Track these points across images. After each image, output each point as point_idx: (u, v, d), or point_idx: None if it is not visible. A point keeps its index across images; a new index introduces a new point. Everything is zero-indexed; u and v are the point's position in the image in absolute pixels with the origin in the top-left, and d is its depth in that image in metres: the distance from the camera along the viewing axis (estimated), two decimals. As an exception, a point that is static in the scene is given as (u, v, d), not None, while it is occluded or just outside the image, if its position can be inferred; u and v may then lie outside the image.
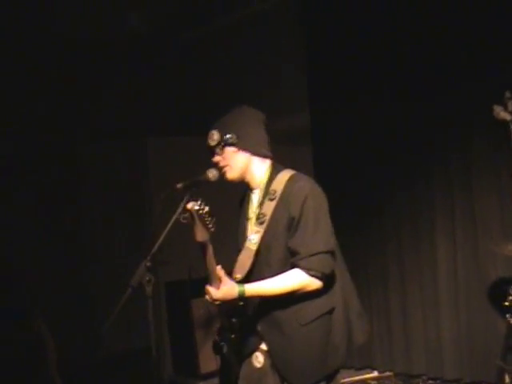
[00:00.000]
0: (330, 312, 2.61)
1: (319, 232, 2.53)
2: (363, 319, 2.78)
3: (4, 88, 4.92)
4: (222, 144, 2.64)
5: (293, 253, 2.55)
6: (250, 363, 2.68)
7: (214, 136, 2.65)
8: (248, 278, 2.62)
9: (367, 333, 2.80)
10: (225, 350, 2.74)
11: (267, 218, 2.60)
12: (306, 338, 2.57)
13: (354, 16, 5.00)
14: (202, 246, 2.49)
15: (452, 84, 4.49)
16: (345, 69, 5.09)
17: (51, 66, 5.21)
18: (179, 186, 2.48)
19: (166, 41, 5.51)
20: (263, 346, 2.65)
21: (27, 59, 5.03)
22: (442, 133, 4.59)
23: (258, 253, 2.62)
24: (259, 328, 2.64)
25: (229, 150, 2.66)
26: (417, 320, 4.78)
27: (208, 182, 2.60)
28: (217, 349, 2.77)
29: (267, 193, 2.64)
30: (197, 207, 2.36)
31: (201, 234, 2.42)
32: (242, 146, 2.65)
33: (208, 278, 2.56)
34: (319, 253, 2.51)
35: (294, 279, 2.52)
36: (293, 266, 2.54)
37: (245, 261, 2.64)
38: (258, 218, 2.63)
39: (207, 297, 2.58)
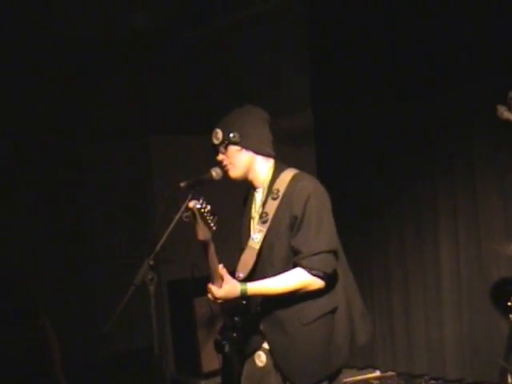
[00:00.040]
0: (333, 311, 2.60)
1: (322, 231, 2.53)
2: (366, 319, 2.78)
3: (4, 88, 4.91)
4: (226, 143, 2.64)
5: (295, 252, 2.54)
6: (253, 362, 2.68)
7: (218, 135, 2.65)
8: (251, 277, 2.62)
9: (370, 333, 2.80)
10: (226, 348, 2.74)
11: (270, 217, 2.60)
12: (308, 337, 2.56)
13: (356, 16, 5.00)
14: (204, 245, 2.48)
15: (452, 84, 4.49)
16: (347, 69, 5.09)
17: (51, 65, 5.20)
18: (183, 184, 2.48)
19: (166, 41, 5.50)
20: (266, 345, 2.65)
21: (27, 59, 5.02)
22: (445, 133, 4.59)
23: (260, 252, 2.62)
24: (261, 327, 2.64)
25: (232, 148, 2.65)
26: (419, 320, 4.77)
27: (212, 180, 2.60)
28: (218, 347, 2.77)
29: (270, 192, 2.64)
30: (198, 206, 2.35)
31: (202, 233, 2.42)
32: (245, 144, 2.65)
33: (210, 277, 2.56)
34: (321, 252, 2.51)
35: (296, 278, 2.52)
36: (295, 265, 2.54)
37: (248, 260, 2.64)
38: (261, 217, 2.63)
39: (209, 295, 2.57)
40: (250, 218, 2.74)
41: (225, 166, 2.67)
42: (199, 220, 2.38)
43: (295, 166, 2.73)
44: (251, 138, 2.65)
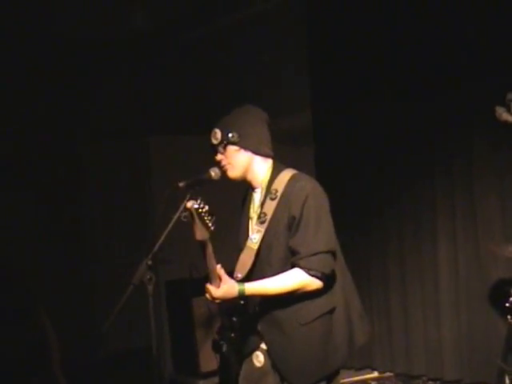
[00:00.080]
0: (331, 312, 2.60)
1: (320, 232, 2.53)
2: (364, 320, 2.78)
3: (4, 88, 4.91)
4: (225, 143, 2.64)
5: (293, 252, 2.54)
6: (251, 362, 2.68)
7: (217, 135, 2.65)
8: (249, 277, 2.62)
9: (368, 334, 2.80)
10: (224, 348, 2.74)
11: (268, 217, 2.60)
12: (306, 337, 2.56)
13: (356, 16, 5.00)
14: (202, 245, 2.48)
15: (452, 84, 4.48)
16: (346, 69, 5.09)
17: (51, 65, 5.20)
18: (182, 184, 2.48)
19: (166, 41, 5.50)
20: (264, 346, 2.65)
21: (27, 59, 5.02)
22: (445, 133, 4.59)
23: (259, 252, 2.62)
24: (259, 327, 2.64)
25: (231, 148, 2.65)
26: (417, 320, 4.77)
27: (211, 180, 2.60)
28: (216, 348, 2.77)
29: (268, 192, 2.64)
30: (196, 206, 2.36)
31: (200, 233, 2.42)
32: (244, 144, 2.65)
33: (208, 277, 2.56)
34: (319, 252, 2.51)
35: (294, 279, 2.52)
36: (293, 266, 2.54)
37: (246, 260, 2.64)
38: (259, 218, 2.63)
39: (207, 295, 2.57)
40: (248, 218, 2.74)
41: (223, 166, 2.67)
42: (197, 220, 2.39)
43: (295, 166, 2.73)
44: (250, 138, 2.65)
